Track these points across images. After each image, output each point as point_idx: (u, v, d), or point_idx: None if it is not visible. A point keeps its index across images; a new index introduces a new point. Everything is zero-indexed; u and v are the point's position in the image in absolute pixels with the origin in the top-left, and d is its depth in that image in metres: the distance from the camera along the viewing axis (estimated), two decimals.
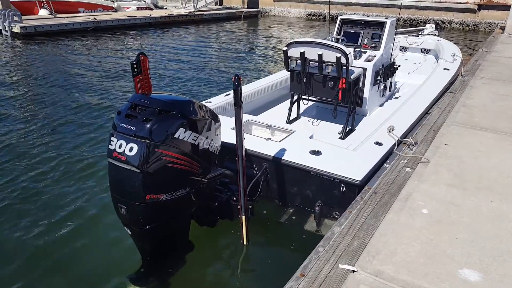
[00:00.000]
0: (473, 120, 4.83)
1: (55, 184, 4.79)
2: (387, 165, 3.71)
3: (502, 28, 14.30)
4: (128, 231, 3.05)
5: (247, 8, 27.31)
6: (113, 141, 2.75)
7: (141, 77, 2.91)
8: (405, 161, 3.77)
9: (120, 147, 2.71)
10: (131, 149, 2.67)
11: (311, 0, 25.88)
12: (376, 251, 2.51)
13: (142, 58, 2.89)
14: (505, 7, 18.68)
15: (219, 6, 28.11)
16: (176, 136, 2.77)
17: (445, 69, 6.99)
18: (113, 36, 16.41)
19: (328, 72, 4.66)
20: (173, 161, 2.80)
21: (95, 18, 17.69)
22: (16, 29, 14.91)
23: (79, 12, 20.48)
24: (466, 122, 4.77)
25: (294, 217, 3.95)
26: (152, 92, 2.98)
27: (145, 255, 3.19)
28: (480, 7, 21.39)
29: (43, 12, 18.74)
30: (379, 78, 5.50)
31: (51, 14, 18.35)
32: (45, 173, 5.03)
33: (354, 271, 2.33)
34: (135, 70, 2.87)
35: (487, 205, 3.04)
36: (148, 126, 2.67)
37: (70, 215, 4.19)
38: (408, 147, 4.06)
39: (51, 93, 8.46)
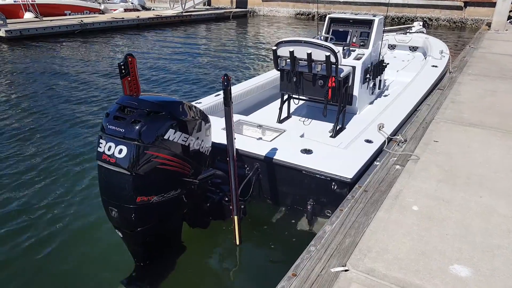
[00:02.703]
0: (462, 116, 4.87)
1: (44, 188, 4.72)
2: (377, 163, 3.73)
3: (488, 25, 14.47)
4: (120, 234, 3.02)
5: (236, 8, 27.28)
6: (102, 143, 2.72)
7: (129, 79, 2.87)
8: (395, 158, 3.79)
9: (109, 149, 2.68)
10: (120, 151, 2.64)
11: None
12: (367, 249, 2.52)
13: (130, 59, 2.85)
14: (491, 4, 18.94)
15: (208, 7, 28.05)
16: (166, 137, 2.75)
17: (433, 66, 7.05)
18: (100, 38, 16.26)
19: (318, 71, 4.67)
20: (163, 163, 2.78)
21: (81, 21, 17.51)
22: (1, 33, 14.68)
23: (65, 14, 20.26)
24: (454, 118, 4.82)
25: (286, 217, 3.95)
26: (141, 94, 2.96)
27: (137, 258, 3.17)
28: (466, 4, 21.68)
29: (28, 15, 18.48)
30: (368, 76, 5.53)
31: (36, 17, 18.13)
32: (33, 178, 4.96)
33: (346, 270, 2.33)
34: (123, 71, 2.83)
35: (476, 200, 3.07)
36: (137, 127, 2.65)
37: (60, 220, 4.14)
38: (398, 144, 4.08)
39: (38, 97, 8.35)
